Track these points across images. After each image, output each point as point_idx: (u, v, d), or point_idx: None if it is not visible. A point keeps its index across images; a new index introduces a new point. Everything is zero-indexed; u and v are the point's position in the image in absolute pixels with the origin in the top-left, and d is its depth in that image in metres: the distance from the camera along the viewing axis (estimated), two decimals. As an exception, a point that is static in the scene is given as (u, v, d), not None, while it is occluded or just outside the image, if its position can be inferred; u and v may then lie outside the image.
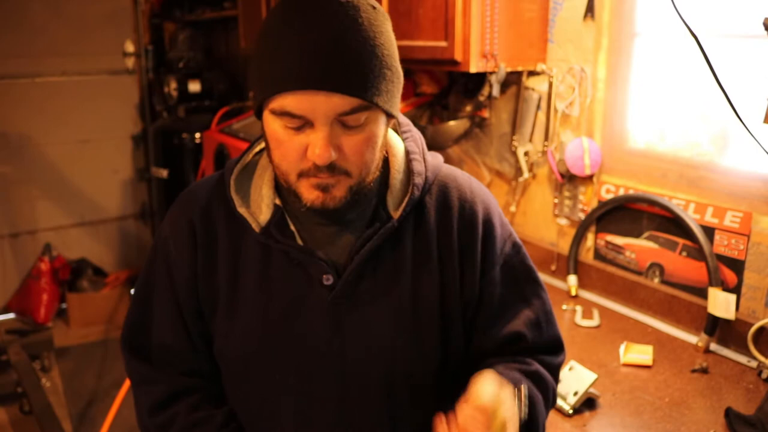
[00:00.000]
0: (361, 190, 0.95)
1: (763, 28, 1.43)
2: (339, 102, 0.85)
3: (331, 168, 0.89)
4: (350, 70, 0.85)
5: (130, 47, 4.24)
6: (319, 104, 0.85)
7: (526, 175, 2.25)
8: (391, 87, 0.91)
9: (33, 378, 3.06)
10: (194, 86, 3.90)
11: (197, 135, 3.63)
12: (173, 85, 3.87)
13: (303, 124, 0.88)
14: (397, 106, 0.95)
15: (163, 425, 1.04)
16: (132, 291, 4.12)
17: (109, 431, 2.46)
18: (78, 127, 4.15)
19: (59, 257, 4.12)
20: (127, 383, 2.39)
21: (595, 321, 1.90)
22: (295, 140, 0.89)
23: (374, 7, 0.90)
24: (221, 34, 4.37)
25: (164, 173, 3.77)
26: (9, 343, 3.38)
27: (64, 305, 4.08)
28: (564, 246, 2.19)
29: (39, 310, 3.95)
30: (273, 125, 0.90)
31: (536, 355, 1.08)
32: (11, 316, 4.02)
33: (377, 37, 0.88)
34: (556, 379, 1.11)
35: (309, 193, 0.92)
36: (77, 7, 4.02)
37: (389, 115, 0.94)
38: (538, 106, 2.19)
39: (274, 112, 0.89)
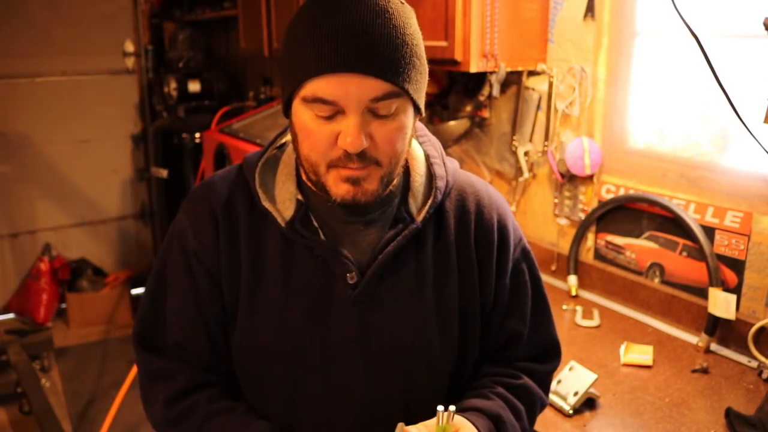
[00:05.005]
0: (390, 183, 0.95)
1: (763, 28, 1.43)
2: (371, 86, 0.86)
3: (362, 156, 0.89)
4: (383, 54, 0.86)
5: (130, 47, 4.24)
6: (352, 88, 0.85)
7: (526, 175, 2.25)
8: (419, 78, 0.92)
9: (33, 378, 3.06)
10: (194, 86, 3.90)
11: (197, 135, 3.63)
12: (173, 85, 3.87)
13: (335, 112, 0.88)
14: (423, 100, 0.95)
15: (181, 415, 1.01)
16: (132, 291, 4.13)
17: (108, 431, 2.47)
18: (78, 127, 4.15)
19: (59, 257, 4.12)
20: (127, 383, 2.39)
21: (595, 321, 1.89)
22: (326, 129, 0.89)
23: (402, 2, 0.92)
24: (221, 34, 4.37)
25: (164, 173, 3.77)
26: (9, 343, 3.38)
27: (63, 305, 4.08)
28: (564, 246, 2.19)
29: (39, 310, 3.95)
30: (303, 116, 0.90)
31: (529, 360, 1.11)
32: (11, 316, 4.02)
33: (407, 27, 0.90)
34: (548, 385, 1.14)
35: (338, 188, 0.92)
36: (77, 7, 4.02)
37: (417, 109, 0.95)
38: (538, 106, 2.19)
39: (305, 100, 0.89)
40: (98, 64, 4.16)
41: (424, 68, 0.94)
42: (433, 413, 0.93)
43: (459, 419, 0.95)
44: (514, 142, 2.26)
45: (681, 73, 1.86)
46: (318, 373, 1.00)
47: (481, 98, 2.22)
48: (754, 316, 1.69)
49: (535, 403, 1.10)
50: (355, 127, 0.87)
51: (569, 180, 2.14)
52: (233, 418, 1.00)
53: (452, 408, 0.92)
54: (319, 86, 0.86)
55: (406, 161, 1.03)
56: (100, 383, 3.37)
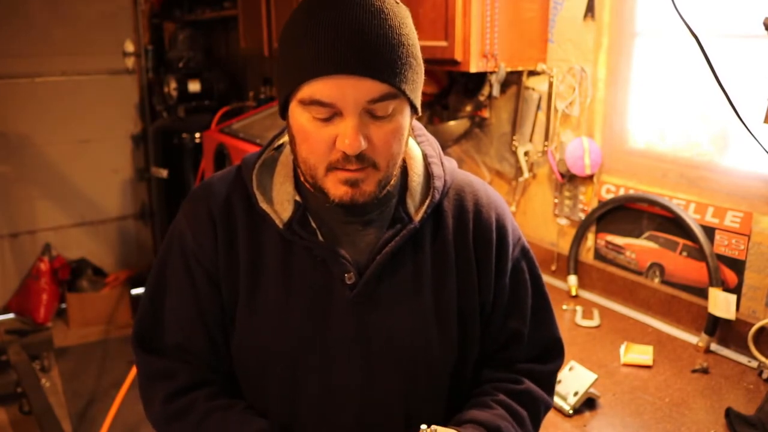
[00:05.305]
0: (387, 185, 0.96)
1: (763, 28, 1.43)
2: (368, 88, 0.86)
3: (360, 158, 0.89)
4: (380, 55, 0.86)
5: (130, 47, 4.24)
6: (349, 90, 0.86)
7: (526, 175, 2.25)
8: (416, 77, 0.92)
9: (33, 378, 3.06)
10: (194, 86, 3.90)
11: (197, 135, 3.63)
12: (173, 85, 3.87)
13: (332, 114, 0.88)
14: (419, 100, 0.95)
15: (180, 411, 1.01)
16: (132, 291, 4.13)
17: (108, 431, 2.46)
18: (78, 127, 4.15)
19: (59, 257, 4.12)
20: (127, 383, 2.39)
21: (595, 321, 1.89)
22: (324, 132, 0.89)
23: (397, 2, 0.92)
24: (221, 34, 4.37)
25: (164, 173, 3.77)
26: (9, 343, 3.38)
27: (63, 305, 4.08)
28: (564, 246, 2.19)
29: (39, 310, 3.95)
30: (300, 118, 0.90)
31: (531, 360, 1.11)
32: (11, 316, 4.02)
33: (402, 28, 0.90)
34: (551, 386, 1.13)
35: (336, 189, 0.92)
36: (77, 7, 4.02)
37: (413, 109, 0.95)
38: (538, 106, 2.19)
39: (303, 102, 0.89)
40: (98, 64, 4.16)
41: (420, 68, 0.94)
42: (433, 414, 0.94)
43: (447, 431, 0.95)
44: (514, 142, 2.26)
45: (681, 73, 1.86)
46: (317, 373, 1.00)
47: (481, 98, 2.22)
48: (754, 316, 1.69)
49: (538, 408, 1.09)
50: (353, 129, 0.87)
51: (569, 180, 2.14)
52: (232, 415, 1.00)
53: (435, 426, 0.93)
54: (317, 88, 0.86)
55: (404, 161, 1.03)
56: (100, 383, 3.37)
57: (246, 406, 1.03)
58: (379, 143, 0.90)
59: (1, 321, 3.96)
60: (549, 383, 1.12)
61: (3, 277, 4.08)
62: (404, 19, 0.91)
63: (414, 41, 0.92)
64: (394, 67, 0.87)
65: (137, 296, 4.13)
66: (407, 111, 0.93)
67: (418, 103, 0.94)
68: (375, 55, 0.85)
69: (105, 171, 4.32)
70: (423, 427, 0.92)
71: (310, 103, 0.88)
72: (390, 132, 0.90)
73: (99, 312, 4.01)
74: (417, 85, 0.93)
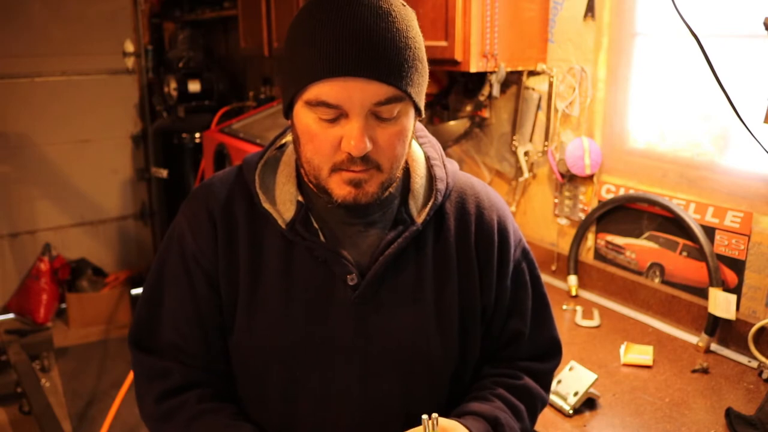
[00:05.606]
0: (390, 186, 0.96)
1: (763, 28, 1.43)
2: (375, 91, 0.86)
3: (365, 160, 0.90)
4: (387, 58, 0.86)
5: (130, 47, 4.24)
6: (356, 92, 0.86)
7: (526, 175, 2.25)
8: (421, 80, 0.93)
9: (33, 378, 3.06)
10: (194, 86, 3.90)
11: (197, 135, 3.64)
12: (173, 85, 3.87)
13: (338, 115, 0.88)
14: (423, 102, 0.96)
15: (169, 412, 1.01)
16: (132, 291, 4.13)
17: (108, 431, 2.46)
18: (78, 127, 4.15)
19: (59, 257, 4.12)
20: (127, 383, 2.39)
21: (595, 321, 1.90)
22: (329, 133, 0.89)
23: (404, 5, 0.93)
24: (221, 34, 4.37)
25: (164, 173, 3.77)
26: (9, 343, 3.38)
27: (63, 305, 4.08)
28: (564, 246, 2.19)
29: (38, 310, 3.95)
30: (306, 119, 0.91)
31: (531, 359, 1.12)
32: (11, 316, 4.02)
33: (409, 30, 0.90)
34: (548, 384, 1.15)
35: (340, 189, 0.92)
36: (77, 7, 4.02)
37: (417, 111, 0.95)
38: (539, 106, 2.19)
39: (309, 104, 0.89)
40: (98, 64, 4.16)
41: (425, 70, 0.94)
42: (432, 409, 0.94)
43: (447, 422, 0.95)
44: (514, 142, 2.26)
45: (681, 73, 1.86)
46: (317, 373, 1.00)
47: (481, 98, 2.22)
48: (754, 316, 1.69)
49: (535, 403, 1.10)
50: (359, 131, 0.87)
51: (569, 180, 2.14)
52: (221, 418, 1.00)
53: (435, 414, 0.93)
54: (323, 90, 0.87)
55: (406, 162, 1.04)
56: (100, 383, 3.37)
57: (235, 410, 1.03)
58: (384, 145, 0.90)
59: (1, 321, 3.96)
60: (546, 381, 1.14)
61: (3, 277, 4.08)
62: (411, 21, 0.91)
63: (420, 44, 0.92)
64: (401, 70, 0.87)
65: (137, 296, 4.12)
66: (412, 113, 0.94)
67: (422, 105, 0.95)
68: (382, 58, 0.86)
69: (105, 171, 4.32)
70: (424, 417, 0.92)
71: (317, 104, 0.88)
72: (395, 134, 0.91)
73: (99, 312, 4.01)
74: (422, 88, 0.93)
